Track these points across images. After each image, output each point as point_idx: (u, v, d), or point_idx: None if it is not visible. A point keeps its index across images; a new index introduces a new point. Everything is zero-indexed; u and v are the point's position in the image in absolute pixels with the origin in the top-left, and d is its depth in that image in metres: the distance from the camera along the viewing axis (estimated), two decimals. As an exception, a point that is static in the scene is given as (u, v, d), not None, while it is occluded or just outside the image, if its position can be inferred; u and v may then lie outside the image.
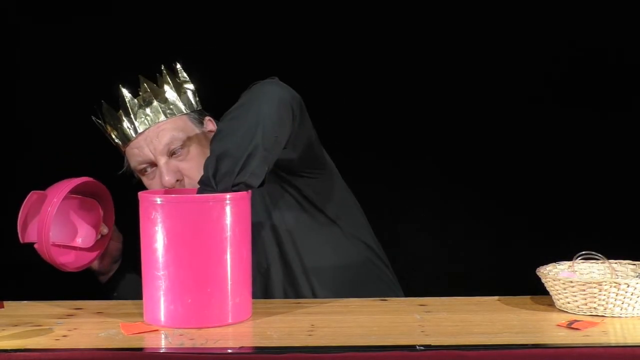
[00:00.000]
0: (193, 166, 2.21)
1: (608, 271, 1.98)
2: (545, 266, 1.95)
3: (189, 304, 1.80)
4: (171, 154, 2.22)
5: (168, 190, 2.05)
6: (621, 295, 1.80)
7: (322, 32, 2.92)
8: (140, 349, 1.67)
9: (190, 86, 2.29)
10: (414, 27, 2.98)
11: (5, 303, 2.01)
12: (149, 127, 2.23)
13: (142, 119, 2.23)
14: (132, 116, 2.23)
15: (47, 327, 1.80)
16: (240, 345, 1.67)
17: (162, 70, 2.27)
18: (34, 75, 2.93)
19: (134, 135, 2.24)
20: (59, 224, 2.08)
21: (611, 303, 1.80)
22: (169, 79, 2.26)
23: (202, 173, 1.92)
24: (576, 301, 1.83)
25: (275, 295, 2.22)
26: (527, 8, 2.95)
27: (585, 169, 3.02)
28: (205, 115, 2.30)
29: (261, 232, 2.23)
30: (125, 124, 2.24)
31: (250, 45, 2.91)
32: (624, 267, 1.98)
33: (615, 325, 1.76)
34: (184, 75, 2.29)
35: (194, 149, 2.22)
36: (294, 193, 2.23)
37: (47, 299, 2.05)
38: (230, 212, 1.82)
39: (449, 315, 1.86)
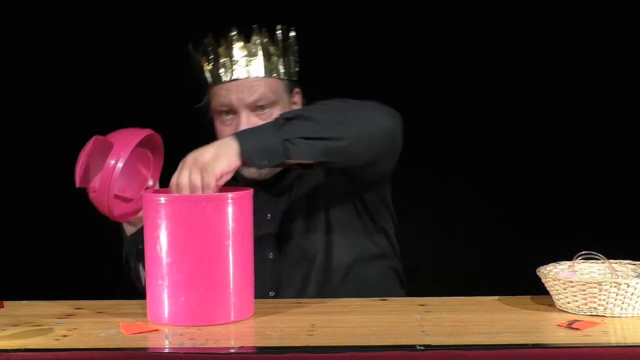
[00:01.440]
0: None
1: (608, 271, 1.98)
2: (545, 266, 1.95)
3: (191, 301, 1.80)
4: (255, 109, 2.21)
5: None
6: (621, 295, 1.80)
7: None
8: (141, 349, 1.67)
9: (295, 54, 2.29)
10: (414, 27, 2.99)
11: (5, 303, 2.01)
12: (246, 77, 2.23)
13: (242, 67, 2.23)
14: (233, 59, 2.23)
15: (47, 327, 1.80)
16: (240, 345, 1.67)
17: (276, 29, 2.26)
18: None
19: (228, 78, 2.23)
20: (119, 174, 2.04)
21: (611, 303, 1.80)
22: (279, 40, 2.25)
23: None
24: (576, 301, 1.83)
25: (310, 283, 2.23)
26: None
27: (585, 169, 3.02)
28: (296, 87, 2.30)
29: (317, 223, 2.25)
30: (224, 64, 2.24)
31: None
32: (624, 267, 1.98)
33: (615, 325, 1.76)
34: (294, 42, 2.28)
35: (275, 114, 2.19)
36: (356, 199, 2.27)
37: (47, 299, 2.05)
38: (233, 211, 1.82)
39: (449, 315, 1.86)
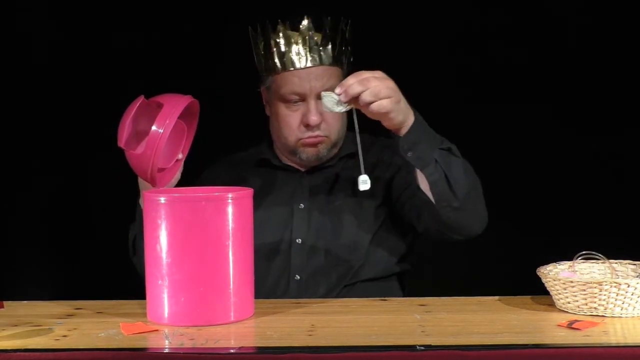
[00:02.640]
0: (333, 118, 2.26)
1: (608, 271, 1.98)
2: (545, 266, 1.95)
3: (191, 301, 1.80)
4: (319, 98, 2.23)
5: (171, 190, 2.04)
6: (621, 295, 1.80)
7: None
8: (140, 349, 1.67)
9: (350, 45, 2.32)
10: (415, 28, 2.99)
11: (5, 303, 2.01)
12: (317, 65, 2.25)
13: (315, 55, 2.25)
14: (307, 46, 2.25)
15: (47, 327, 1.80)
16: (240, 346, 1.67)
17: (342, 22, 2.28)
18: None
19: (300, 65, 2.25)
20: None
21: (611, 303, 1.80)
22: (344, 32, 2.28)
23: (336, 129, 2.25)
24: (576, 301, 1.83)
25: (339, 288, 2.25)
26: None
27: (585, 168, 3.02)
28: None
29: (364, 232, 2.28)
30: (297, 50, 2.25)
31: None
32: (624, 267, 1.98)
33: (615, 325, 1.76)
34: (350, 36, 2.31)
35: None
36: (389, 216, 2.31)
37: (47, 299, 2.05)
38: (233, 211, 1.82)
39: (449, 315, 1.86)
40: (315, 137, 2.27)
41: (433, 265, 3.01)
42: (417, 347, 1.61)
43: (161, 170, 2.05)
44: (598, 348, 1.62)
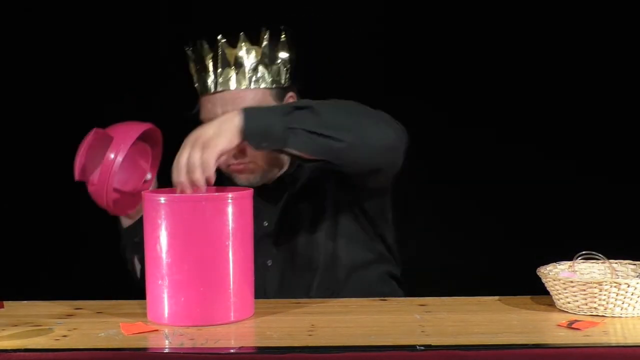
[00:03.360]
0: None
1: (608, 271, 1.98)
2: (545, 266, 1.95)
3: (191, 301, 1.80)
4: None
5: (171, 190, 2.04)
6: (621, 295, 1.80)
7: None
8: (140, 349, 1.67)
9: (286, 58, 2.22)
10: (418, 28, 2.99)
11: (5, 303, 2.01)
12: (229, 90, 2.17)
13: (227, 79, 2.17)
14: (218, 71, 2.17)
15: (47, 327, 1.80)
16: (240, 345, 1.67)
17: (263, 32, 2.20)
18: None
19: (212, 89, 2.18)
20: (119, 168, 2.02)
21: (611, 303, 1.80)
22: (266, 46, 2.19)
23: (262, 154, 2.10)
24: (576, 301, 1.83)
25: (312, 292, 2.22)
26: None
27: (585, 168, 3.02)
28: (289, 92, 2.24)
29: (321, 231, 2.24)
30: (210, 74, 2.19)
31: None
32: (624, 267, 1.98)
33: (615, 325, 1.76)
34: (285, 45, 2.21)
35: None
36: (357, 207, 2.25)
37: (47, 299, 2.05)
38: (233, 211, 1.82)
39: (449, 315, 1.86)
40: (238, 164, 2.18)
41: (433, 265, 3.01)
42: (417, 347, 1.61)
43: (129, 194, 2.10)
44: (598, 348, 1.62)
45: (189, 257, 1.80)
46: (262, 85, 2.19)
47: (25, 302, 2.04)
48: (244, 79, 2.18)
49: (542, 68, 3.02)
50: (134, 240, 2.19)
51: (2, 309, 1.97)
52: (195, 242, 1.80)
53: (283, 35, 2.22)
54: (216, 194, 1.88)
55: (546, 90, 3.03)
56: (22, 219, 3.10)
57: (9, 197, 3.07)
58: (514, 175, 3.00)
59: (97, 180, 2.00)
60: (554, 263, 1.98)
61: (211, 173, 1.88)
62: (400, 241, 2.40)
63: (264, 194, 2.23)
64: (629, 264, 1.98)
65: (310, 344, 1.67)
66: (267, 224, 2.27)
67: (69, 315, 1.91)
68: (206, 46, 2.21)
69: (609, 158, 3.02)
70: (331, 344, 1.66)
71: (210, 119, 2.11)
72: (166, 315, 1.82)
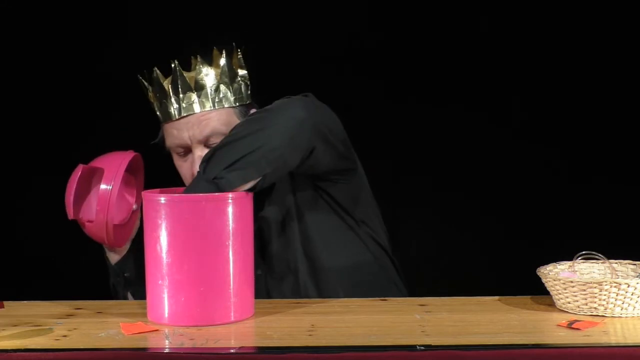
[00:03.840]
0: None
1: (608, 271, 1.98)
2: (545, 266, 1.95)
3: (191, 302, 1.81)
4: (208, 143, 2.15)
5: (171, 190, 2.04)
6: (621, 295, 1.80)
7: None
8: (141, 349, 1.67)
9: (245, 75, 2.20)
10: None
11: (5, 303, 2.01)
12: (194, 113, 2.14)
13: (189, 103, 2.14)
14: (180, 96, 2.14)
15: (47, 327, 1.80)
16: (241, 345, 1.67)
17: (220, 53, 2.17)
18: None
19: (177, 115, 2.15)
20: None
21: (611, 303, 1.80)
22: (224, 65, 2.16)
23: None
24: (576, 301, 1.83)
25: (302, 293, 2.20)
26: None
27: (585, 168, 3.02)
28: (252, 108, 2.21)
29: (292, 231, 2.21)
30: (171, 101, 2.15)
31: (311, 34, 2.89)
32: (624, 267, 1.98)
33: (615, 325, 1.76)
34: (241, 62, 2.19)
35: None
36: (325, 197, 2.21)
37: (47, 299, 2.05)
38: (232, 211, 1.82)
39: (449, 315, 1.86)
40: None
41: (433, 265, 3.01)
42: (417, 347, 1.61)
43: (118, 226, 2.10)
44: (598, 348, 1.62)
45: (189, 257, 1.80)
46: (226, 105, 2.18)
47: (25, 302, 2.04)
48: (208, 101, 2.16)
49: (543, 68, 3.02)
50: (124, 275, 2.21)
51: (2, 309, 1.98)
52: (195, 242, 1.80)
53: (239, 53, 2.20)
54: (216, 193, 1.88)
55: (547, 91, 3.03)
56: (22, 219, 3.10)
57: (9, 197, 3.07)
58: (514, 175, 3.00)
59: (94, 215, 2.01)
60: (554, 263, 1.98)
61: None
62: (400, 241, 2.40)
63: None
64: (629, 264, 1.98)
65: (310, 344, 1.66)
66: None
67: (69, 315, 1.91)
68: (161, 74, 2.17)
69: (609, 158, 3.02)
70: (331, 344, 1.66)
71: (178, 145, 2.16)
72: (166, 315, 1.82)
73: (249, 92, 2.23)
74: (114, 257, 2.22)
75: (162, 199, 1.82)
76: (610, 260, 1.98)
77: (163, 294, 1.82)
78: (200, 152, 2.14)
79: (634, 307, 1.81)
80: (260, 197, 2.23)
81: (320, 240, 2.22)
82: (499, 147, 3.00)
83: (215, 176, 1.89)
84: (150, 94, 2.20)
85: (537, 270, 1.92)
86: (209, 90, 2.16)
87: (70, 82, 2.99)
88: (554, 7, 2.95)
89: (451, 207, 3.05)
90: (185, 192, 1.94)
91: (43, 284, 3.05)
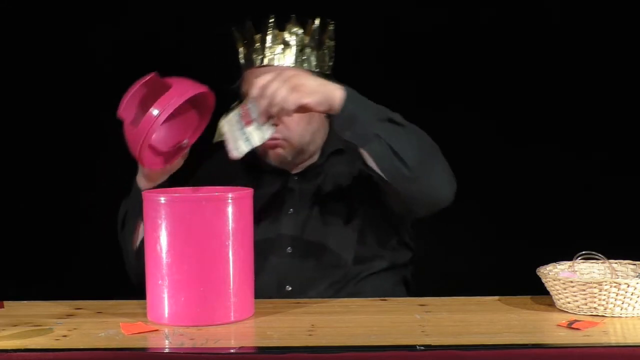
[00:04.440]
0: (293, 121, 2.19)
1: (608, 271, 1.98)
2: (545, 266, 1.95)
3: (191, 302, 1.80)
4: None
5: (171, 190, 2.03)
6: (621, 295, 1.80)
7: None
8: (141, 349, 1.67)
9: (332, 46, 2.27)
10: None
11: (5, 303, 2.01)
12: (276, 65, 2.21)
13: (274, 55, 2.22)
14: (266, 45, 2.22)
15: (47, 327, 1.80)
16: (241, 345, 1.67)
17: (313, 22, 2.25)
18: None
19: (259, 63, 2.22)
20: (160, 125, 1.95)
21: (611, 303, 1.80)
22: (315, 31, 2.24)
23: (298, 133, 2.19)
24: (576, 301, 1.83)
25: (331, 292, 2.21)
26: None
27: (584, 168, 3.02)
28: (330, 79, 2.19)
29: (347, 231, 2.24)
30: (257, 49, 2.23)
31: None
32: (624, 267, 1.98)
33: (615, 325, 1.76)
34: (331, 34, 2.26)
35: None
36: (385, 209, 2.25)
37: (47, 299, 2.05)
38: (232, 211, 1.82)
39: (449, 315, 1.86)
40: (273, 139, 2.17)
41: (433, 265, 3.01)
42: (417, 347, 1.61)
43: (160, 153, 2.04)
44: (598, 348, 1.62)
45: (189, 257, 1.80)
46: (306, 67, 2.23)
47: (25, 302, 2.04)
48: (292, 57, 2.22)
49: (543, 69, 3.02)
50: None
51: (2, 309, 1.98)
52: (195, 242, 1.80)
53: (331, 26, 2.27)
54: (216, 194, 1.88)
55: (547, 92, 3.03)
56: (22, 219, 3.10)
57: (9, 197, 3.07)
58: (514, 175, 3.00)
59: (136, 129, 1.92)
60: (554, 263, 1.98)
61: (289, 114, 1.92)
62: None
63: (291, 182, 2.28)
64: (629, 264, 1.98)
65: (310, 344, 1.67)
66: (292, 211, 2.27)
67: (69, 315, 1.91)
68: (254, 25, 2.25)
69: (609, 158, 3.03)
70: (331, 344, 1.66)
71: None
72: (166, 315, 1.82)
73: (331, 63, 2.29)
74: (145, 184, 2.14)
75: (162, 199, 1.82)
76: (610, 260, 1.98)
77: (163, 294, 1.82)
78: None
79: (634, 307, 1.81)
80: (318, 181, 2.28)
81: (370, 248, 2.25)
82: (498, 147, 3.00)
83: (380, 135, 1.95)
84: (239, 42, 2.27)
85: (537, 270, 1.92)
86: (294, 49, 2.22)
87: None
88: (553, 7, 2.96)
89: (451, 207, 3.05)
90: (356, 95, 1.96)
91: (43, 284, 3.06)
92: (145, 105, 1.93)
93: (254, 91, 1.92)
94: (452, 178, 2.11)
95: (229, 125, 1.97)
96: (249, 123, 1.95)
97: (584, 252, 1.93)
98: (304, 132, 2.25)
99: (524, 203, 3.02)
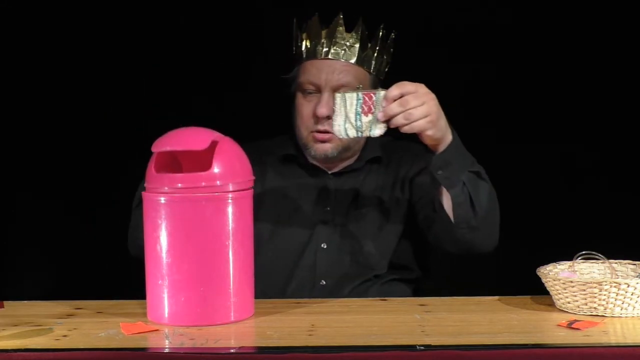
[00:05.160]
0: None
1: (608, 271, 1.98)
2: (545, 266, 1.95)
3: (191, 301, 1.80)
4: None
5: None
6: (621, 295, 1.80)
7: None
8: (141, 349, 1.67)
9: (390, 55, 2.35)
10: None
11: (5, 303, 2.01)
12: (338, 60, 2.27)
13: (338, 50, 2.27)
14: (332, 40, 2.27)
15: (47, 327, 1.80)
16: (241, 345, 1.67)
17: (380, 28, 2.31)
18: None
19: (322, 56, 2.27)
20: None
21: (611, 303, 1.80)
22: (380, 39, 2.31)
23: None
24: (576, 301, 1.83)
25: (354, 290, 2.24)
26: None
27: (584, 168, 3.02)
28: (379, 86, 2.27)
29: (387, 236, 2.29)
30: (322, 42, 2.28)
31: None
32: (624, 267, 1.98)
33: (615, 325, 1.76)
34: (391, 45, 2.34)
35: None
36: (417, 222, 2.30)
37: (47, 299, 2.05)
38: (232, 211, 1.82)
39: (449, 315, 1.86)
40: (324, 132, 2.25)
41: (433, 265, 3.01)
42: (417, 347, 1.61)
43: None
44: (598, 348, 1.62)
45: (189, 257, 1.80)
46: (366, 67, 2.30)
47: (25, 302, 2.04)
48: (354, 55, 2.28)
49: (543, 69, 3.01)
50: None
51: (2, 309, 1.98)
52: (195, 242, 1.80)
53: (393, 35, 2.33)
54: (216, 193, 1.87)
55: (547, 92, 3.02)
56: (22, 219, 3.10)
57: (9, 197, 3.07)
58: (513, 175, 3.00)
59: None
60: (554, 263, 1.98)
61: (406, 131, 1.97)
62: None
63: (328, 181, 2.32)
64: (629, 264, 1.98)
65: (310, 344, 1.67)
66: (328, 210, 2.29)
67: (69, 315, 1.91)
68: (317, 19, 2.30)
69: (609, 159, 3.02)
70: (331, 344, 1.66)
71: (311, 82, 2.25)
72: (166, 315, 1.82)
73: (386, 70, 2.35)
74: None
75: (162, 199, 1.82)
76: (610, 260, 1.98)
77: (163, 293, 1.82)
78: (327, 97, 2.23)
79: (634, 307, 1.81)
80: (358, 183, 2.32)
81: (402, 257, 2.30)
82: (498, 147, 3.00)
83: (466, 184, 2.05)
84: (304, 35, 2.32)
85: (537, 270, 1.92)
86: (357, 47, 2.28)
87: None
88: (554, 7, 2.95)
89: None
90: (460, 143, 2.07)
91: (43, 284, 3.06)
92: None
93: (393, 92, 1.94)
94: (498, 233, 2.19)
95: (347, 102, 1.98)
96: (367, 113, 1.98)
97: (584, 252, 1.93)
98: None
99: (523, 203, 3.01)
